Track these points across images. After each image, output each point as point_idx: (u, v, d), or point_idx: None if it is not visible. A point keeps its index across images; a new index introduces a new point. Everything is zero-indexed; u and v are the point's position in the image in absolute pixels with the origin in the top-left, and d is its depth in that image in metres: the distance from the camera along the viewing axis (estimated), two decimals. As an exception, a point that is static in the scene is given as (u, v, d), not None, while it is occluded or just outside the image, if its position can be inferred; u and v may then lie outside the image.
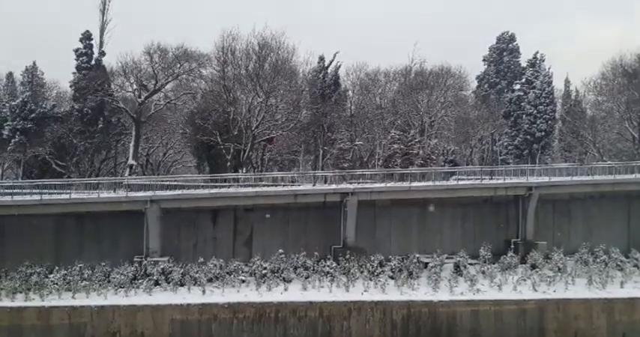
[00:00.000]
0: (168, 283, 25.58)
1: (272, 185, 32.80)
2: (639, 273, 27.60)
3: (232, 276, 26.25)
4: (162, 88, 48.20)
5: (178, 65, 47.16)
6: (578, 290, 25.66)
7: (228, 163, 43.71)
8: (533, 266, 28.31)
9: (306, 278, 26.42)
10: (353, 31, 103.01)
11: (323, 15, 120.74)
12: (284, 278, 26.50)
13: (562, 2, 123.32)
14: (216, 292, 24.92)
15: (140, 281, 25.55)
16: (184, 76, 48.42)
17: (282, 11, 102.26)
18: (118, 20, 51.58)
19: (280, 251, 28.15)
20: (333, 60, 55.36)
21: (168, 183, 31.61)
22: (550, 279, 26.19)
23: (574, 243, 31.90)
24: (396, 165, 44.52)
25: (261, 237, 30.70)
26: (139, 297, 24.29)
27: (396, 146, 46.99)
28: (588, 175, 34.36)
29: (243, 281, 26.14)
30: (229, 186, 31.47)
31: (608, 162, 41.80)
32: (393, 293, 24.91)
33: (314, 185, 32.45)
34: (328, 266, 27.13)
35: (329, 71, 55.72)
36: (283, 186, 32.57)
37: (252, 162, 48.47)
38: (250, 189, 31.07)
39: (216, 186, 31.62)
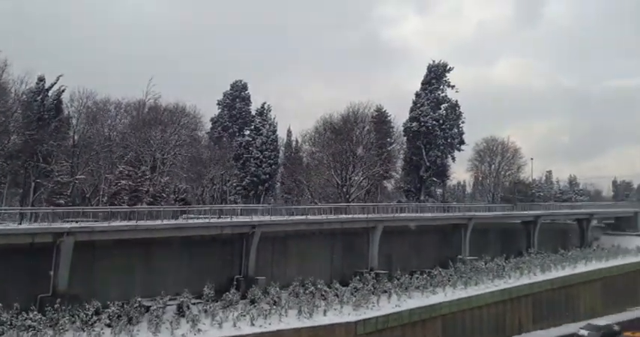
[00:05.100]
0: None
1: (-41, 224, 26.86)
2: (338, 301, 31.88)
3: None
4: None
5: None
6: (290, 321, 28.11)
7: None
8: (253, 301, 30.07)
9: (0, 334, 22.05)
10: (84, 57, 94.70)
11: (49, 36, 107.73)
12: (-34, 340, 21.58)
13: (294, 63, 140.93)
14: None
15: None
16: None
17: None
18: None
19: (-36, 305, 22.93)
20: (55, 82, 49.83)
21: None
22: (266, 313, 28.04)
23: (289, 276, 35.22)
24: (123, 202, 41.95)
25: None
26: None
27: (124, 182, 44.38)
28: (303, 215, 38.89)
29: None
30: None
31: (319, 205, 48.39)
32: (108, 343, 22.93)
33: (19, 224, 27.87)
34: (31, 318, 23.35)
35: (49, 94, 49.85)
36: (-24, 225, 27.08)
37: None
38: None
39: None
